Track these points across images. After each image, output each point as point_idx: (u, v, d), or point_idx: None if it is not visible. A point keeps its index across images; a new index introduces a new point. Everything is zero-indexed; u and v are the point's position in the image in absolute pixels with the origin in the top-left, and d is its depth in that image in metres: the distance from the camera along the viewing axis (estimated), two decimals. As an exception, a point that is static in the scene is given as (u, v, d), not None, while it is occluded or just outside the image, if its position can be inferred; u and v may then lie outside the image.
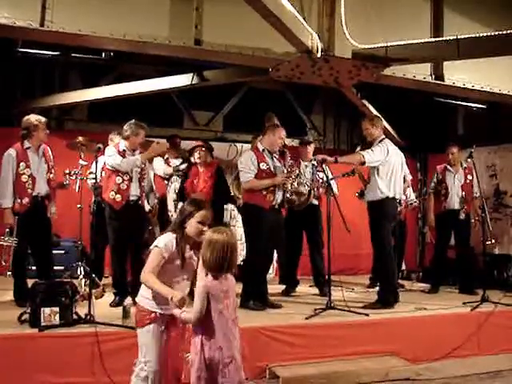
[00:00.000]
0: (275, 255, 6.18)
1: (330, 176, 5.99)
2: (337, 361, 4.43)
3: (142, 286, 3.02)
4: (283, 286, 6.39)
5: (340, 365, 4.38)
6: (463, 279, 6.72)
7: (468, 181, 6.71)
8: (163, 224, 6.16)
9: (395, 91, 6.95)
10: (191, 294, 3.01)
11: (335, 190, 6.14)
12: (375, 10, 5.75)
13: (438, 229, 6.84)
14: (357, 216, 6.74)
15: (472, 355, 4.97)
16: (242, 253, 7.92)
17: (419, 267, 8.75)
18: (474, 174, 6.44)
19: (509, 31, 4.93)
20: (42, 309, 4.02)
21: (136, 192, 5.26)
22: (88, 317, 4.12)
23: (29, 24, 4.67)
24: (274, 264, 7.18)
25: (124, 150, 5.27)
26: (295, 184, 5.64)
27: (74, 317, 4.19)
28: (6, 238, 4.64)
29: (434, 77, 6.20)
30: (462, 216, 6.65)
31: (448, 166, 6.85)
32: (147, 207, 5.65)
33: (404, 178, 5.97)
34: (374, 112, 7.43)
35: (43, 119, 5.19)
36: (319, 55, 5.37)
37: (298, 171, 5.98)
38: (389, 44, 5.45)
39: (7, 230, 4.80)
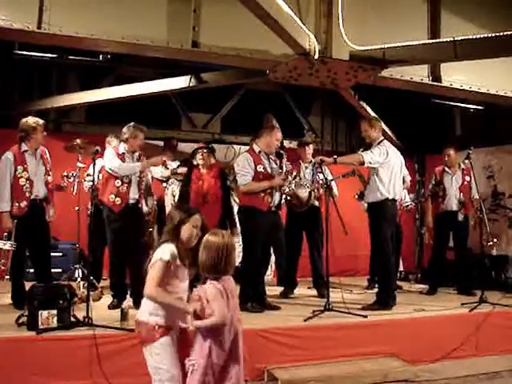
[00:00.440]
0: (273, 257, 6.18)
1: (330, 177, 6.01)
2: (335, 362, 4.43)
3: (145, 302, 2.85)
4: (281, 288, 6.39)
5: (339, 366, 4.38)
6: (461, 280, 6.73)
7: (466, 182, 6.73)
8: (161, 226, 6.16)
9: (393, 93, 6.96)
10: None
11: (335, 191, 6.14)
12: (372, 11, 5.77)
13: (436, 230, 6.85)
14: (355, 217, 6.76)
15: (470, 356, 4.97)
16: (240, 255, 7.93)
17: (417, 268, 8.74)
18: (472, 175, 6.46)
19: (506, 32, 4.94)
20: (39, 312, 4.02)
21: (135, 195, 5.26)
22: (86, 319, 4.12)
23: (26, 26, 4.67)
24: (272, 266, 7.18)
25: (123, 153, 5.27)
26: (293, 186, 5.64)
27: (72, 319, 4.18)
28: (5, 242, 4.63)
29: (431, 78, 6.21)
30: (461, 217, 6.66)
31: (446, 168, 6.86)
32: (145, 209, 5.64)
33: (403, 179, 5.97)
34: (372, 113, 7.44)
35: (41, 121, 5.17)
36: (316, 57, 5.37)
37: (295, 172, 6.00)
38: (386, 46, 5.46)
39: (5, 233, 4.79)
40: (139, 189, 5.30)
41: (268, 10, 4.45)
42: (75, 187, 5.72)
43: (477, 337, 5.04)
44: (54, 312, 4.06)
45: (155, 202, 6.12)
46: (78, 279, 5.73)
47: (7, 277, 4.82)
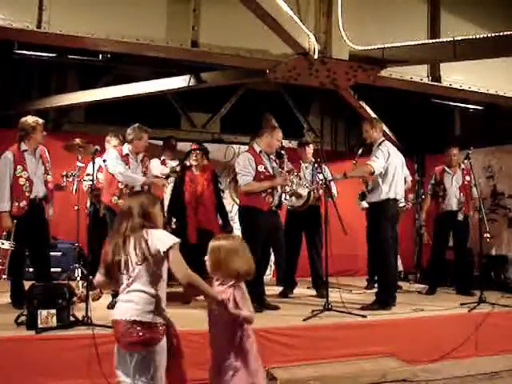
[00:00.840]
0: (272, 257, 6.19)
1: (330, 177, 6.01)
2: (334, 362, 4.44)
3: (144, 301, 2.73)
4: (281, 288, 6.39)
5: (338, 366, 4.39)
6: (460, 280, 6.74)
7: (466, 182, 6.73)
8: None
9: (392, 93, 6.96)
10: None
11: (334, 191, 6.15)
12: (372, 11, 5.77)
13: (436, 230, 6.85)
14: (355, 217, 6.77)
15: (470, 356, 4.99)
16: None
17: (416, 268, 8.75)
18: (472, 175, 6.47)
19: (505, 32, 4.94)
20: (38, 311, 4.02)
21: None
22: (85, 319, 4.13)
23: (25, 26, 4.66)
24: (272, 266, 7.18)
25: (127, 154, 5.29)
26: (294, 186, 5.66)
27: (71, 319, 4.19)
28: (4, 242, 4.63)
29: (430, 78, 6.21)
30: (461, 217, 6.66)
31: (446, 168, 6.86)
32: None
33: (404, 179, 5.98)
34: (371, 113, 7.45)
35: (41, 121, 5.17)
36: (316, 57, 5.37)
37: (296, 172, 6.02)
38: (386, 45, 5.46)
39: (4, 233, 4.78)
40: (142, 190, 5.30)
41: (268, 9, 4.45)
42: (74, 186, 5.72)
43: (476, 337, 5.05)
44: (54, 311, 4.06)
45: None
46: (78, 278, 5.73)
47: (4, 276, 4.80)
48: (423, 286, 7.13)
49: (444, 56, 5.51)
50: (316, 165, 6.21)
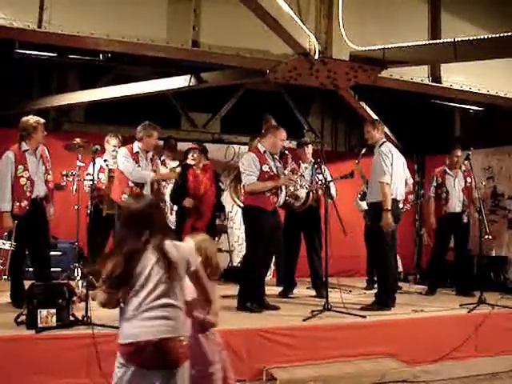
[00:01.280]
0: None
1: (329, 178, 6.01)
2: (334, 363, 4.43)
3: (175, 313, 2.49)
4: (280, 288, 6.39)
5: (337, 367, 4.38)
6: (460, 281, 6.74)
7: (468, 184, 6.73)
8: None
9: (392, 93, 6.96)
10: None
11: (333, 192, 6.14)
12: (373, 12, 5.77)
13: (438, 232, 6.84)
14: (354, 218, 6.76)
15: (469, 357, 4.98)
16: (239, 254, 7.96)
17: (416, 269, 8.75)
18: (472, 176, 6.48)
19: (506, 34, 4.95)
20: (38, 310, 4.01)
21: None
22: (85, 318, 4.12)
23: (26, 25, 4.67)
24: (272, 266, 7.18)
25: (137, 152, 5.35)
26: (297, 186, 5.67)
27: (71, 318, 4.18)
28: (4, 242, 4.63)
29: (431, 79, 6.21)
30: (466, 219, 6.67)
31: (447, 169, 6.85)
32: None
33: (405, 181, 5.96)
34: (372, 114, 7.45)
35: (42, 120, 5.16)
36: (317, 57, 5.38)
37: (300, 172, 6.03)
38: (386, 46, 5.46)
39: (5, 233, 4.78)
40: (152, 190, 5.32)
41: (268, 10, 4.46)
42: (74, 186, 5.72)
43: (476, 338, 5.05)
44: (53, 311, 4.05)
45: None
46: (78, 278, 5.72)
47: (5, 276, 4.78)
48: (423, 286, 7.12)
49: (444, 57, 5.52)
50: (316, 165, 6.21)
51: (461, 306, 5.56)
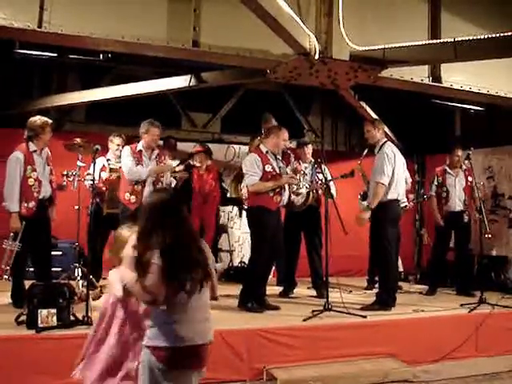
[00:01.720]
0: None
1: (329, 177, 6.01)
2: (334, 363, 4.43)
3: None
4: (281, 288, 6.39)
5: (338, 367, 4.38)
6: (461, 281, 6.73)
7: (469, 183, 6.73)
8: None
9: (393, 93, 6.96)
10: None
11: (333, 191, 6.14)
12: (373, 12, 5.77)
13: (438, 231, 6.84)
14: (355, 218, 6.74)
15: (470, 357, 4.98)
16: (239, 254, 7.97)
17: (417, 269, 8.75)
18: (473, 175, 6.48)
19: (506, 33, 4.94)
20: (39, 310, 4.02)
21: None
22: (85, 318, 4.12)
23: (26, 25, 4.66)
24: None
25: (140, 151, 5.38)
26: (300, 184, 5.68)
27: (72, 318, 4.18)
28: (10, 243, 4.62)
29: (431, 79, 6.21)
30: (466, 219, 6.66)
31: (447, 169, 6.85)
32: None
33: (405, 180, 5.96)
34: (372, 114, 7.45)
35: (49, 121, 5.16)
36: (317, 57, 5.37)
37: (302, 171, 6.05)
38: (386, 46, 5.46)
39: (12, 234, 4.76)
40: (155, 188, 5.33)
41: (268, 9, 4.45)
42: (75, 186, 5.72)
43: (476, 337, 5.05)
44: (54, 311, 4.06)
45: None
46: (78, 278, 5.72)
47: (6, 276, 4.77)
48: (423, 286, 7.12)
49: (445, 57, 5.52)
50: (316, 165, 6.21)
51: (461, 305, 5.56)
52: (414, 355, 4.73)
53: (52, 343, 3.87)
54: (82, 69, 8.09)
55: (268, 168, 5.28)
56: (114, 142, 6.29)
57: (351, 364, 4.45)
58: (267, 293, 5.48)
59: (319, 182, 6.12)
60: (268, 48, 5.45)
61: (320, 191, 6.20)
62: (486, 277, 6.85)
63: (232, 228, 8.21)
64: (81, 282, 5.57)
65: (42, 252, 5.19)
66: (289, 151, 5.66)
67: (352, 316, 4.85)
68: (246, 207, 6.55)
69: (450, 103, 8.33)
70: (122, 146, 6.12)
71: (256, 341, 4.26)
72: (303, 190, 6.01)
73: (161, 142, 7.28)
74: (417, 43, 5.49)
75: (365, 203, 6.17)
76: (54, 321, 4.04)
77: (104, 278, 6.35)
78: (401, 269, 7.99)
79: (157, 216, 2.42)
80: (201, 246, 2.49)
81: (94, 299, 5.02)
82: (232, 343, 4.14)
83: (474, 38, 5.19)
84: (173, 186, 6.58)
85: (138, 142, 5.55)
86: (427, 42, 5.85)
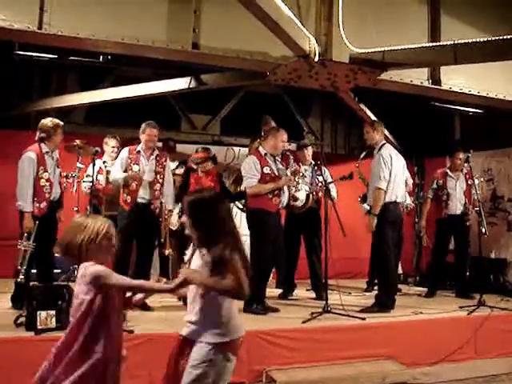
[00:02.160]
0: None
1: (329, 179, 6.01)
2: (334, 365, 4.43)
3: None
4: (280, 290, 6.39)
5: (337, 369, 4.38)
6: (460, 283, 6.74)
7: (469, 186, 6.73)
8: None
9: (392, 95, 6.96)
10: None
11: (334, 193, 6.14)
12: (373, 14, 5.77)
13: (438, 234, 6.84)
14: (355, 220, 6.76)
15: (469, 359, 4.97)
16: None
17: (416, 271, 8.75)
18: (472, 178, 6.48)
19: (506, 36, 4.95)
20: (38, 312, 4.01)
21: (145, 195, 5.33)
22: (84, 320, 4.10)
23: (26, 27, 4.67)
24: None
25: (139, 151, 5.40)
26: (299, 187, 5.68)
27: (71, 320, 4.17)
28: (25, 243, 4.63)
29: (430, 81, 6.22)
30: (468, 222, 6.67)
31: (448, 172, 6.85)
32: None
33: (406, 182, 5.96)
34: (371, 116, 7.45)
35: (61, 123, 5.20)
36: (316, 59, 5.38)
37: (302, 173, 6.04)
38: (386, 49, 5.47)
39: (25, 234, 4.76)
40: (153, 190, 5.32)
41: (269, 12, 4.46)
42: (74, 187, 5.72)
43: (475, 340, 5.05)
44: (53, 313, 4.05)
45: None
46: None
47: (21, 277, 4.71)
48: (422, 288, 7.12)
49: (444, 59, 5.52)
50: (316, 167, 6.22)
51: (460, 308, 5.56)
52: (414, 357, 4.72)
53: (51, 345, 3.82)
54: (82, 70, 8.10)
55: (266, 170, 5.28)
56: (109, 143, 6.31)
57: (350, 366, 4.45)
58: (266, 295, 5.48)
59: (319, 184, 6.12)
60: (268, 50, 5.45)
61: (320, 193, 6.21)
62: (484, 279, 6.85)
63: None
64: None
65: (47, 254, 5.18)
66: (287, 153, 5.66)
67: (351, 318, 4.85)
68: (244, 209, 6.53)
69: (449, 106, 8.34)
70: (117, 148, 6.13)
71: (255, 343, 4.26)
72: (302, 193, 6.00)
73: (160, 144, 7.32)
74: (416, 46, 5.50)
75: (365, 205, 6.19)
76: (52, 323, 4.04)
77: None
78: (400, 271, 8.00)
79: (219, 214, 2.56)
80: None
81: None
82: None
83: (474, 40, 5.20)
84: None
85: (138, 144, 5.55)
86: (427, 44, 5.86)
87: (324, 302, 5.03)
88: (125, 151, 5.43)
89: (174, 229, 6.05)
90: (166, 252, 5.49)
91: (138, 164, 5.37)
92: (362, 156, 6.51)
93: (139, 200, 5.28)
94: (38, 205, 4.93)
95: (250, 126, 7.61)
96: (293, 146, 7.40)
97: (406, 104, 7.96)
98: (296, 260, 6.44)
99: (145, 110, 7.42)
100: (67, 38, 4.85)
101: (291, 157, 5.69)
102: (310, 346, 4.46)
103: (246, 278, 2.46)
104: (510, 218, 7.87)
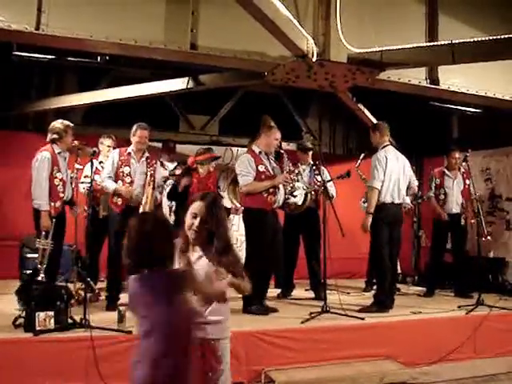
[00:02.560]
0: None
1: (328, 179, 6.01)
2: (333, 365, 4.44)
3: None
4: (279, 290, 6.39)
5: (336, 368, 4.39)
6: (459, 283, 6.74)
7: (467, 186, 6.74)
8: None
9: (391, 95, 6.96)
10: None
11: (333, 192, 6.14)
12: (370, 14, 5.77)
13: (435, 233, 6.86)
14: (354, 220, 6.73)
15: (468, 359, 4.99)
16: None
17: (415, 271, 8.76)
18: (470, 177, 6.49)
19: (503, 36, 4.95)
20: (36, 313, 4.01)
21: (137, 197, 5.29)
22: (83, 321, 4.11)
23: (24, 28, 4.66)
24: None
25: (129, 153, 5.36)
26: (295, 185, 5.67)
27: (69, 321, 4.18)
28: (44, 242, 4.65)
29: (428, 81, 6.21)
30: (463, 222, 6.67)
31: (446, 171, 6.86)
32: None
33: (409, 183, 5.93)
34: (370, 116, 7.45)
35: (71, 124, 5.27)
36: (314, 59, 5.37)
37: (297, 171, 6.04)
38: (384, 48, 5.46)
39: (43, 233, 4.79)
40: (143, 192, 5.31)
41: (266, 12, 4.45)
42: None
43: (474, 339, 5.06)
44: (51, 313, 4.05)
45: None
46: (75, 281, 5.71)
47: (42, 275, 4.71)
48: (421, 288, 7.13)
49: (442, 59, 5.52)
50: (314, 167, 6.21)
51: (459, 307, 5.57)
52: (412, 357, 4.73)
53: (49, 346, 3.86)
54: (80, 71, 8.09)
55: (261, 168, 5.29)
56: (105, 143, 6.31)
57: (349, 366, 4.45)
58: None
59: (318, 183, 6.12)
60: (266, 50, 5.45)
61: (319, 192, 6.20)
62: (483, 279, 6.86)
63: (230, 230, 8.20)
64: (78, 284, 5.56)
65: (56, 252, 5.19)
66: (282, 151, 5.64)
67: (350, 318, 4.86)
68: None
69: (447, 105, 8.34)
70: (113, 148, 6.12)
71: (254, 343, 4.26)
72: (299, 192, 5.99)
73: (159, 145, 7.32)
74: (414, 46, 5.50)
75: (363, 204, 6.20)
76: (51, 323, 4.04)
77: (102, 281, 6.35)
78: (399, 271, 8.00)
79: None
80: None
81: (91, 302, 5.02)
82: (230, 345, 4.13)
83: (472, 40, 5.19)
84: (166, 187, 6.57)
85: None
86: (425, 44, 5.86)
87: (323, 302, 5.03)
88: (115, 153, 5.41)
89: None
90: None
91: (128, 166, 5.36)
92: (361, 157, 6.52)
93: (131, 203, 5.28)
94: (53, 204, 5.01)
95: (249, 127, 7.57)
96: (292, 146, 7.41)
97: (404, 104, 7.96)
98: (295, 260, 6.44)
99: (143, 111, 7.42)
100: (65, 38, 4.83)
101: (285, 155, 5.67)
102: (309, 346, 4.47)
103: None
104: (509, 218, 7.88)
